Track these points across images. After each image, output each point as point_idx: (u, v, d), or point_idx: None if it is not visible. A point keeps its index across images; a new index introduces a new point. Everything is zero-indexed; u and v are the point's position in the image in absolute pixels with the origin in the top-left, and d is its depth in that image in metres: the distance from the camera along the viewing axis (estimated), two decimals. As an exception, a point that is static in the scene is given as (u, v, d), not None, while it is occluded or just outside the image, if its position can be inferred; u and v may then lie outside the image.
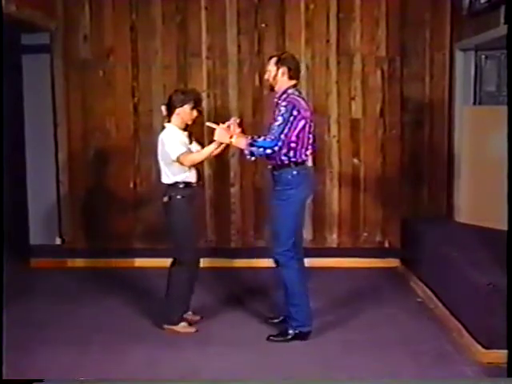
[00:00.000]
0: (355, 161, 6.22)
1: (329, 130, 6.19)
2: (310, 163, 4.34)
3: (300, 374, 3.76)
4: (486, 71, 5.80)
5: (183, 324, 4.43)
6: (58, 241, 6.39)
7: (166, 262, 5.79)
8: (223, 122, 4.24)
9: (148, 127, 6.18)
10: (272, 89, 4.27)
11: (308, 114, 4.13)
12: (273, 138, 4.00)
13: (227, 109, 6.16)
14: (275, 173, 4.20)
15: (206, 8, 6.11)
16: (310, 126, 4.15)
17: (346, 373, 3.75)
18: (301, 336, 4.24)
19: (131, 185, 6.28)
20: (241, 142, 4.11)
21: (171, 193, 4.29)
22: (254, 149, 4.03)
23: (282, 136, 3.99)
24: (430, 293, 4.99)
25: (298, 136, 4.07)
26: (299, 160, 4.13)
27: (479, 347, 3.89)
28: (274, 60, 4.21)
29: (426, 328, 4.47)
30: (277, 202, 4.20)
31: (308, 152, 4.20)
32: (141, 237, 6.32)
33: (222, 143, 4.21)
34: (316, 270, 5.78)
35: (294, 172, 4.12)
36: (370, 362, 3.89)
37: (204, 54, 6.15)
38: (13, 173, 6.29)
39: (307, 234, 6.27)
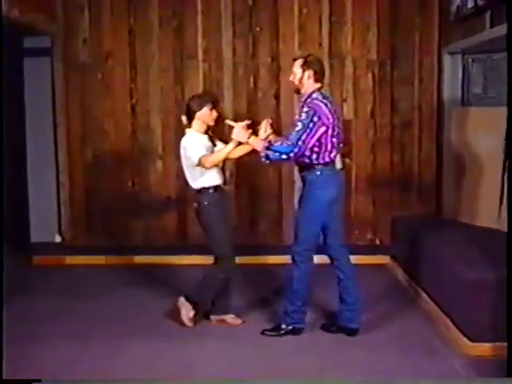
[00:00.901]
0: (347, 160, 6.35)
1: (321, 130, 6.34)
2: (339, 165, 4.26)
3: (294, 368, 3.80)
4: (472, 74, 5.90)
5: (191, 314, 4.42)
6: (58, 238, 6.54)
7: (164, 258, 6.03)
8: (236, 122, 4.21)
9: (145, 128, 6.34)
10: (298, 92, 4.17)
11: (330, 119, 3.99)
12: (289, 143, 3.92)
13: (222, 110, 6.28)
14: (302, 174, 4.18)
15: (202, 12, 6.27)
16: (333, 130, 4.03)
17: (336, 365, 3.80)
18: (294, 331, 4.26)
19: (129, 183, 6.43)
20: (258, 143, 4.04)
21: (199, 199, 4.33)
22: (269, 152, 3.96)
23: (300, 142, 3.91)
24: (419, 288, 5.04)
25: (319, 141, 3.98)
26: (322, 161, 4.05)
27: (466, 341, 3.94)
28: (299, 62, 4.10)
29: (414, 322, 4.52)
30: (302, 202, 4.18)
31: (332, 154, 4.09)
32: (139, 234, 6.46)
33: (240, 143, 4.16)
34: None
35: (318, 172, 4.07)
36: (360, 355, 3.94)
37: (200, 56, 6.30)
38: (14, 172, 6.42)
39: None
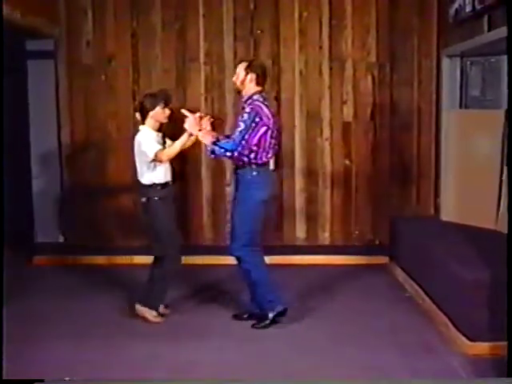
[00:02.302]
0: (347, 162, 6.44)
1: (321, 132, 6.41)
2: (272, 166, 4.52)
3: (291, 364, 3.84)
4: (471, 77, 5.94)
5: (154, 313, 4.58)
6: (61, 238, 6.61)
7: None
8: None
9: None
10: (239, 92, 4.43)
11: (271, 120, 4.26)
12: (232, 142, 4.18)
13: (224, 112, 6.37)
14: (238, 172, 4.38)
15: (204, 15, 6.33)
16: (272, 132, 4.29)
17: (336, 364, 3.84)
18: (279, 315, 4.43)
19: (131, 185, 6.47)
20: (207, 138, 4.29)
21: (148, 194, 4.46)
22: (216, 148, 4.22)
23: (243, 142, 4.15)
24: (418, 288, 5.08)
25: (259, 141, 4.21)
26: (259, 161, 4.28)
27: (464, 340, 3.98)
28: (243, 65, 4.36)
29: (413, 321, 4.57)
30: (237, 200, 4.39)
31: (269, 155, 4.34)
32: (140, 234, 6.49)
33: (192, 134, 4.35)
34: (309, 267, 6.00)
35: (254, 173, 4.29)
36: (359, 353, 3.99)
37: (202, 59, 6.36)
38: (18, 173, 6.49)
39: (301, 232, 6.53)
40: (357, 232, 6.52)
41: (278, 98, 6.40)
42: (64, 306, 4.97)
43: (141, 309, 4.60)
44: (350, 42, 6.34)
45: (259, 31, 6.35)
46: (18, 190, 6.59)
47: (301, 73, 6.36)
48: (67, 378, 3.60)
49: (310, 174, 6.44)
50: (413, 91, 6.41)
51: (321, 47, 6.34)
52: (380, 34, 6.32)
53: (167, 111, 4.52)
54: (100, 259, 6.19)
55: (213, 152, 4.26)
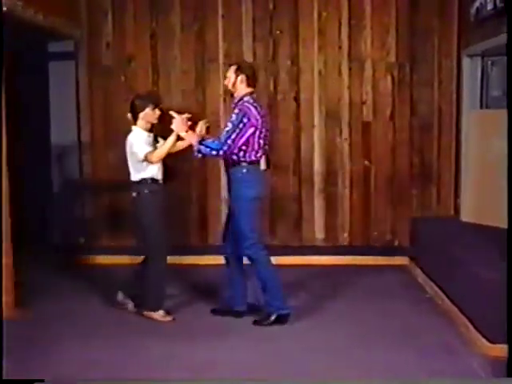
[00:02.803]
0: (366, 162, 6.42)
1: (340, 132, 6.40)
2: (263, 166, 4.58)
3: (309, 365, 3.85)
4: (492, 76, 5.88)
5: (161, 312, 4.65)
6: (81, 239, 6.63)
7: (185, 258, 6.11)
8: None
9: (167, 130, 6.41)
10: (232, 95, 4.57)
11: (259, 121, 4.39)
12: (218, 141, 4.33)
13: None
14: (229, 171, 4.50)
15: (223, 16, 6.34)
16: (261, 132, 4.42)
17: (353, 364, 3.85)
18: (281, 318, 4.51)
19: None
20: (193, 138, 4.45)
21: (139, 189, 4.59)
22: (202, 147, 4.37)
23: (229, 141, 4.29)
24: (438, 289, 5.08)
25: (247, 141, 4.35)
26: (248, 159, 4.41)
27: (485, 341, 3.98)
28: (233, 68, 4.50)
29: (433, 323, 4.57)
30: (233, 200, 4.52)
31: (258, 154, 4.46)
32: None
33: (179, 135, 4.48)
34: (328, 268, 6.03)
35: (245, 170, 4.41)
36: (378, 354, 3.99)
37: (221, 59, 6.36)
38: (39, 173, 6.58)
39: (320, 232, 6.52)
40: (376, 233, 6.49)
41: (297, 99, 6.40)
42: (80, 306, 5.03)
43: (147, 313, 4.66)
44: (369, 42, 6.32)
45: (278, 32, 6.35)
46: (39, 191, 6.65)
47: (320, 73, 6.35)
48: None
49: (329, 175, 6.42)
50: (433, 91, 6.37)
51: (340, 47, 6.33)
52: (400, 33, 6.29)
53: (157, 112, 4.66)
54: (120, 259, 6.18)
55: (199, 151, 4.40)
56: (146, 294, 4.65)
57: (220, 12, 6.35)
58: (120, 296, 4.85)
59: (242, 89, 4.47)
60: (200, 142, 4.39)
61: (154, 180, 4.60)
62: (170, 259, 4.75)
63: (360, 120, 6.39)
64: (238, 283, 4.71)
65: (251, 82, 4.50)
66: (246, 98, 4.44)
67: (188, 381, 3.69)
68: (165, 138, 4.64)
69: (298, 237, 6.53)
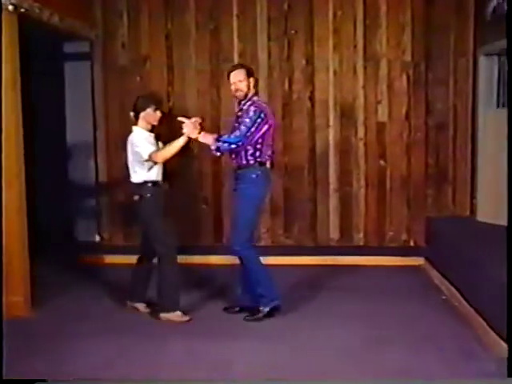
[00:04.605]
0: (381, 162, 6.41)
1: (356, 132, 6.39)
2: (268, 165, 4.64)
3: (325, 367, 3.83)
4: (508, 75, 5.89)
5: (178, 313, 4.64)
6: (97, 238, 6.70)
7: (200, 258, 6.12)
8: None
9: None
10: (236, 98, 4.61)
11: (272, 120, 4.53)
12: (238, 134, 4.38)
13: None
14: (239, 172, 4.55)
15: (238, 16, 6.36)
16: (272, 131, 4.54)
17: (371, 367, 3.82)
18: (272, 311, 4.60)
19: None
20: (208, 138, 4.46)
21: (141, 192, 4.57)
22: (219, 144, 4.40)
23: (248, 134, 4.37)
24: (454, 290, 5.03)
25: (262, 137, 4.45)
26: (263, 160, 4.52)
27: (502, 343, 3.92)
28: (244, 72, 4.56)
29: (450, 325, 4.51)
30: (240, 199, 4.56)
31: (268, 153, 4.57)
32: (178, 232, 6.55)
33: (190, 138, 4.47)
34: (343, 268, 6.00)
35: (259, 172, 4.51)
36: (395, 357, 3.94)
37: (236, 59, 6.36)
38: (55, 173, 6.64)
39: (334, 232, 6.51)
40: (391, 233, 6.47)
41: (311, 98, 6.40)
42: (101, 304, 5.05)
43: (164, 315, 4.66)
44: (384, 41, 6.30)
45: (293, 31, 6.35)
46: (55, 192, 6.71)
47: (335, 72, 6.34)
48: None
49: (344, 174, 6.41)
50: (448, 90, 6.34)
51: (355, 46, 6.32)
52: (415, 32, 6.27)
53: (158, 114, 4.65)
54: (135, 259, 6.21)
55: (218, 149, 4.43)
56: (162, 297, 4.65)
57: (235, 11, 6.36)
58: (129, 303, 4.88)
59: (252, 91, 4.57)
60: (217, 140, 4.42)
61: (154, 183, 4.59)
62: (182, 259, 4.77)
63: (375, 119, 6.37)
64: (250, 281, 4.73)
65: (257, 83, 4.70)
66: (255, 98, 4.56)
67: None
68: (164, 144, 4.63)
69: (313, 237, 6.53)
